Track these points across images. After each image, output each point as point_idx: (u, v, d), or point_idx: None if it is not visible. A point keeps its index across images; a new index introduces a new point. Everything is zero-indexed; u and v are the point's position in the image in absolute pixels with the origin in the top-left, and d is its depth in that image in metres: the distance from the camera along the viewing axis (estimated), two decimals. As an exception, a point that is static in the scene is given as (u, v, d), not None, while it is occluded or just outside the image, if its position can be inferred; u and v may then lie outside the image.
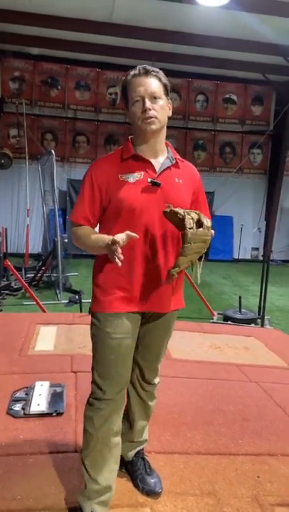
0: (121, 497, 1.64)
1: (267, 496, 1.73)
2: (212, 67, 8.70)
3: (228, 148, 9.92)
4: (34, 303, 4.60)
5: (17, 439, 1.95)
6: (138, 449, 1.77)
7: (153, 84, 1.44)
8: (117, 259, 1.31)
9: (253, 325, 4.69)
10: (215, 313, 4.97)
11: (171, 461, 1.90)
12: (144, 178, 1.46)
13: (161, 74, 1.48)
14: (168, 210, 1.37)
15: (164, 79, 1.48)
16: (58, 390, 2.39)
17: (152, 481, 1.69)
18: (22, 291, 5.45)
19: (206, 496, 1.70)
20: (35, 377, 2.57)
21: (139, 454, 1.77)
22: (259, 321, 4.74)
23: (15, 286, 5.58)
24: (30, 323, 3.69)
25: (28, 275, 6.27)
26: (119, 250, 1.31)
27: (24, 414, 2.14)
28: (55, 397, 2.31)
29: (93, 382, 1.52)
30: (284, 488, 1.79)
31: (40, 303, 4.50)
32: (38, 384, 2.41)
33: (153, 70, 1.46)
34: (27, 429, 2.04)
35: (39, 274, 5.91)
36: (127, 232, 1.33)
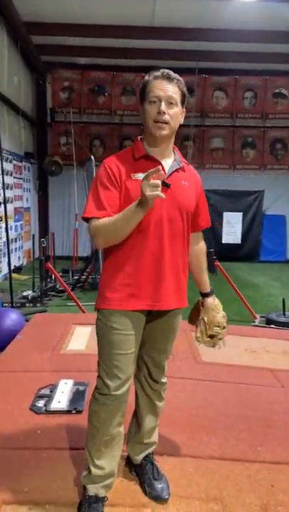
0: (124, 496, 1.65)
1: (278, 506, 1.65)
2: (259, 62, 8.44)
3: (278, 145, 9.55)
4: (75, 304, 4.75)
5: (34, 434, 2.04)
6: (147, 452, 1.77)
7: (172, 90, 1.48)
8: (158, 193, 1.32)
9: (298, 329, 4.48)
10: (257, 316, 4.81)
11: (181, 464, 1.88)
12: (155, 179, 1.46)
13: (182, 82, 1.52)
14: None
15: (184, 88, 1.53)
16: (81, 388, 2.46)
17: (159, 486, 1.68)
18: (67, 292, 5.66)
19: (211, 501, 1.66)
20: (62, 375, 2.66)
21: (148, 458, 1.77)
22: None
23: (60, 288, 5.80)
24: (67, 323, 3.82)
25: (76, 277, 6.49)
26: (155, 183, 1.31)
27: (45, 410, 2.23)
28: (77, 395, 2.38)
29: (98, 376, 1.58)
30: (299, 499, 1.70)
31: (81, 304, 4.64)
32: (62, 382, 2.50)
33: (175, 78, 1.50)
34: (46, 424, 2.12)
35: (83, 276, 6.09)
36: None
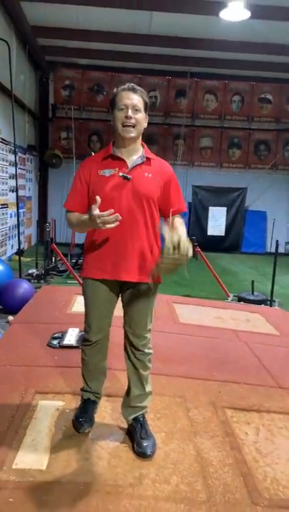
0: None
1: (221, 402, 2.45)
2: (246, 69, 9.19)
3: (262, 146, 10.35)
4: (76, 282, 5.50)
5: (53, 359, 2.81)
6: (136, 414, 2.04)
7: (137, 99, 1.83)
8: (105, 225, 1.68)
9: (262, 305, 5.29)
10: (230, 294, 5.62)
11: (157, 379, 2.62)
12: (117, 173, 1.84)
13: (144, 93, 1.89)
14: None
15: (146, 97, 1.88)
16: (85, 334, 3.23)
17: (145, 444, 1.94)
18: (67, 273, 6.40)
19: (177, 397, 2.45)
20: (70, 327, 3.42)
21: (138, 419, 2.03)
22: (269, 302, 5.33)
23: (61, 268, 6.55)
24: (70, 293, 4.58)
25: (73, 260, 7.24)
26: (99, 219, 1.66)
27: (59, 345, 3.00)
28: (82, 337, 3.14)
29: (84, 328, 2.05)
30: (236, 400, 2.49)
31: (80, 280, 5.38)
32: (70, 329, 3.27)
33: (139, 89, 1.86)
34: (60, 354, 2.89)
35: (80, 260, 6.84)
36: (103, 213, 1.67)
